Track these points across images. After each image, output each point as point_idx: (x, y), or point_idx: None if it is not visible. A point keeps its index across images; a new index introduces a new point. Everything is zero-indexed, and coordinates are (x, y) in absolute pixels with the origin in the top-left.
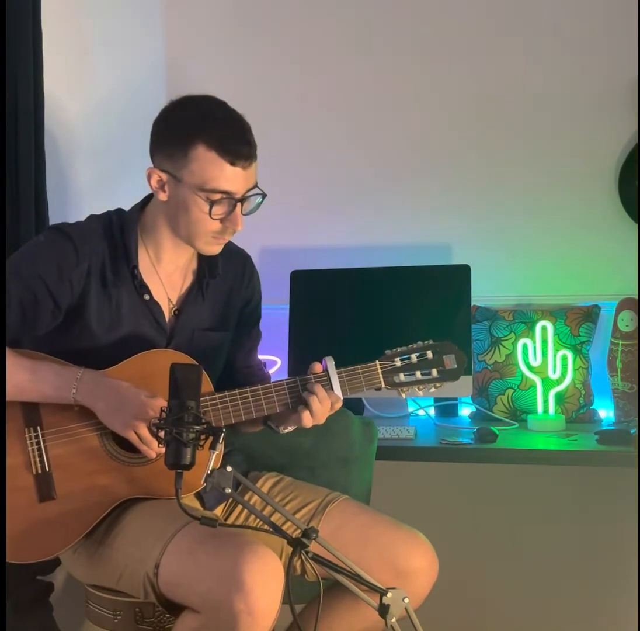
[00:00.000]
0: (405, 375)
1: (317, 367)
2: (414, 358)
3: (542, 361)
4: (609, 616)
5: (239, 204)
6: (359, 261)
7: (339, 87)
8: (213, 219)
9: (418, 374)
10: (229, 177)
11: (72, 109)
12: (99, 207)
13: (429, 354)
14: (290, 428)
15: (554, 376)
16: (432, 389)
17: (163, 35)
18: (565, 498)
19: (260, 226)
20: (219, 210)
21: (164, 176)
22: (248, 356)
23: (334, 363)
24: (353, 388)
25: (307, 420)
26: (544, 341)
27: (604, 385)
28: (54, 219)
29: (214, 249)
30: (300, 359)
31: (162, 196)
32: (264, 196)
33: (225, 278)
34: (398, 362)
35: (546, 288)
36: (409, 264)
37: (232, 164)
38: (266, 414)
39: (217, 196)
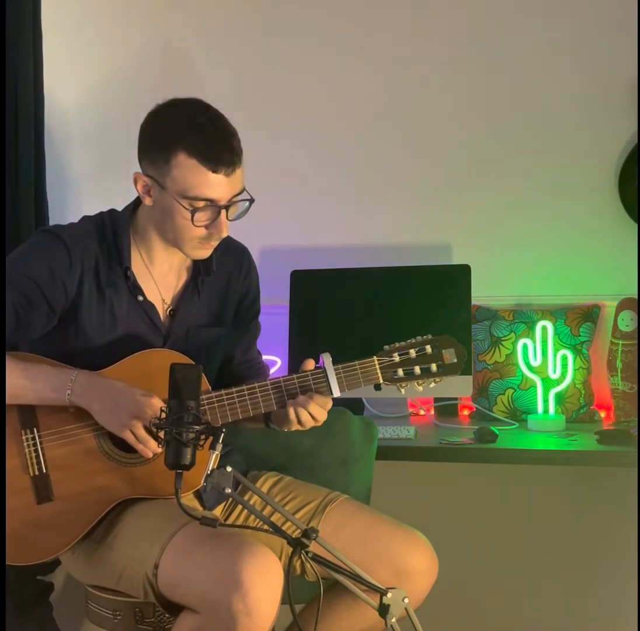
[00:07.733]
0: (403, 371)
1: (309, 364)
2: (412, 353)
3: (542, 361)
4: (609, 616)
5: (223, 211)
6: (359, 261)
7: (340, 88)
8: (196, 226)
9: (417, 369)
10: (212, 184)
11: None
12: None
13: (428, 348)
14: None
15: (554, 376)
16: (432, 385)
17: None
18: (565, 498)
19: (260, 226)
20: (202, 217)
21: (149, 181)
22: (247, 350)
23: (331, 359)
24: (351, 384)
25: (296, 426)
26: (544, 341)
27: (603, 385)
28: (53, 211)
29: (202, 253)
30: (300, 359)
31: (148, 201)
32: (251, 201)
33: (222, 273)
34: (396, 357)
35: (546, 288)
36: (409, 264)
37: (214, 171)
38: (263, 412)
39: (201, 203)
